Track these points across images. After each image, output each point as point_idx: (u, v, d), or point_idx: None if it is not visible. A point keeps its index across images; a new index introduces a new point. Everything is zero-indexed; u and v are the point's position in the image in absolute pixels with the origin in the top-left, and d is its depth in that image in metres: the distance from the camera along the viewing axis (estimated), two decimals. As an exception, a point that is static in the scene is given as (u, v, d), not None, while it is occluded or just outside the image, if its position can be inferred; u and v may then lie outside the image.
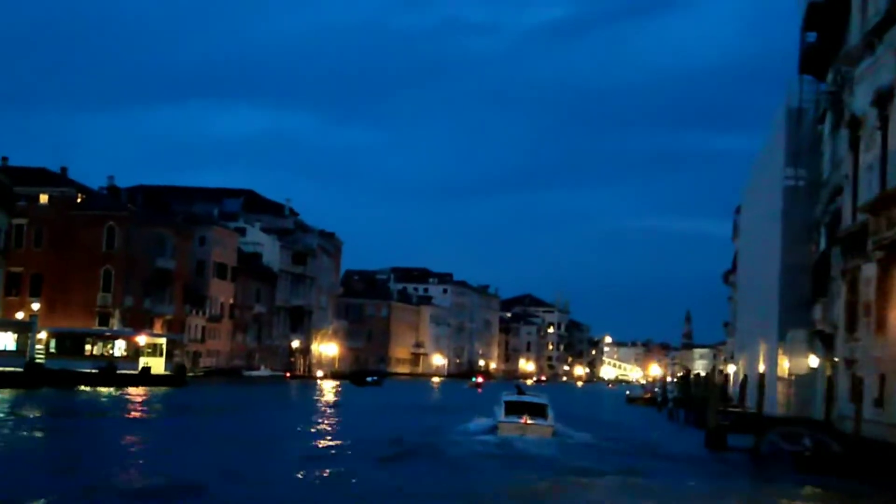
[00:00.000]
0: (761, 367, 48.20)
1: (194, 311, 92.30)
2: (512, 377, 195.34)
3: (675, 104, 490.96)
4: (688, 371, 53.43)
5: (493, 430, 37.02)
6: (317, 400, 63.16)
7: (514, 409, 37.37)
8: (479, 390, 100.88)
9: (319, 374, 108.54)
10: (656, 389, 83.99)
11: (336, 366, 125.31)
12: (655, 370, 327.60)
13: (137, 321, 79.53)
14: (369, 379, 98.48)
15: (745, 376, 50.75)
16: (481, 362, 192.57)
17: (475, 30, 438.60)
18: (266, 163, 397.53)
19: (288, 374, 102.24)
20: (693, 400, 52.32)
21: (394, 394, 78.26)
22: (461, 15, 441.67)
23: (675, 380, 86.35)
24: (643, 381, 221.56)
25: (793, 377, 41.82)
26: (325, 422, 43.11)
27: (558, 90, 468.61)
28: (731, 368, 76.97)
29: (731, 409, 47.99)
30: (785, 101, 43.48)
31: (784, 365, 39.59)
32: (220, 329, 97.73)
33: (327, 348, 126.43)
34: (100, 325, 77.73)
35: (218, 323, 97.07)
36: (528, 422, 36.08)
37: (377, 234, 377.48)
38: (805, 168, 42.88)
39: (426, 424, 42.13)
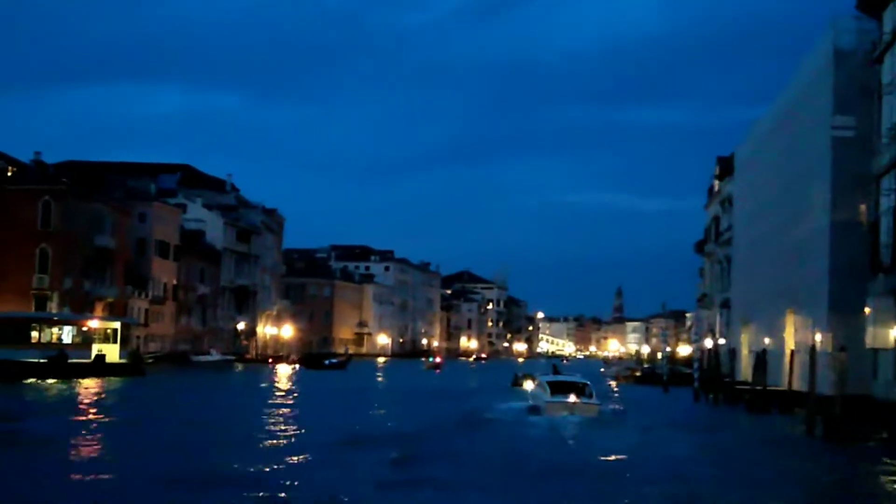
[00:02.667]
0: (791, 342, 44.23)
1: (136, 293, 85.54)
2: (455, 355, 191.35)
3: (608, 78, 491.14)
4: (715, 347, 48.56)
5: (536, 410, 36.98)
6: (293, 388, 57.44)
7: (560, 388, 37.03)
8: (438, 371, 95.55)
9: (293, 358, 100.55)
10: (646, 366, 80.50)
11: (290, 348, 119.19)
12: (635, 345, 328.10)
13: (77, 305, 72.75)
14: (327, 362, 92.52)
15: (764, 351, 46.77)
16: (424, 341, 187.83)
17: (403, 5, 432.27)
18: (194, 142, 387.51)
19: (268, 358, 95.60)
20: (719, 379, 47.78)
21: (362, 378, 72.91)
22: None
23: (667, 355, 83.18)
24: (609, 356, 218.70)
25: (842, 352, 37.65)
26: (345, 414, 37.50)
27: (491, 64, 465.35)
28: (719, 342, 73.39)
29: (755, 388, 43.86)
30: (832, 41, 39.18)
31: (869, 336, 35.11)
32: (164, 312, 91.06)
33: (272, 330, 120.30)
34: (36, 309, 70.74)
35: (161, 305, 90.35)
36: (576, 401, 35.64)
37: (313, 212, 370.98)
38: (855, 115, 38.70)
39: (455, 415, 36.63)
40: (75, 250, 74.84)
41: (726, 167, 73.14)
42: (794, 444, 29.26)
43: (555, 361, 70.98)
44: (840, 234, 38.16)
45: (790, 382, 39.32)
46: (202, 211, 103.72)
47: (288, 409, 37.59)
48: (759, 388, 42.24)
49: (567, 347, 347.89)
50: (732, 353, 66.37)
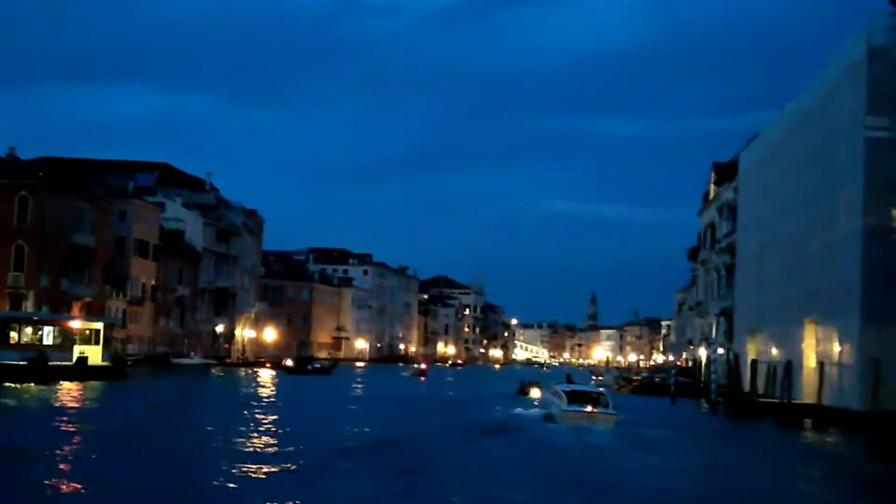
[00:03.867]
0: (811, 354, 42.48)
1: (115, 293, 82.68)
2: (432, 361, 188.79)
3: (576, 88, 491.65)
4: (736, 357, 46.16)
5: (551, 419, 37.37)
6: (281, 394, 54.93)
7: (576, 398, 36.67)
8: (423, 378, 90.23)
9: (288, 361, 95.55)
10: (644, 374, 78.51)
11: (270, 352, 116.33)
12: (609, 352, 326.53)
13: (54, 304, 69.89)
14: (310, 367, 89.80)
15: (790, 363, 44.89)
16: (402, 346, 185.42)
17: (374, 12, 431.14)
18: (169, 144, 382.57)
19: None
20: (739, 392, 45.49)
21: (349, 384, 70.55)
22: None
23: (680, 365, 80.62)
24: (593, 364, 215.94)
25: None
26: (355, 422, 35.30)
27: (463, 71, 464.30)
28: (717, 351, 71.66)
29: (783, 403, 41.71)
30: (865, 40, 37.42)
31: None
32: (142, 313, 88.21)
33: (250, 333, 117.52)
34: (11, 309, 67.86)
35: (140, 306, 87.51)
36: (593, 410, 35.46)
37: (289, 214, 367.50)
38: (888, 117, 36.99)
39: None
40: (52, 248, 72.03)
41: (725, 173, 71.57)
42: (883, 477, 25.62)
43: (568, 371, 68.77)
44: (872, 240, 36.40)
45: (820, 396, 37.46)
46: (182, 210, 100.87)
47: (291, 420, 35.16)
48: (787, 402, 40.14)
49: (541, 354, 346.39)
50: (735, 362, 64.74)
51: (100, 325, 56.60)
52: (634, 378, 75.33)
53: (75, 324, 55.25)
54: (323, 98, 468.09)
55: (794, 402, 41.37)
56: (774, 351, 50.22)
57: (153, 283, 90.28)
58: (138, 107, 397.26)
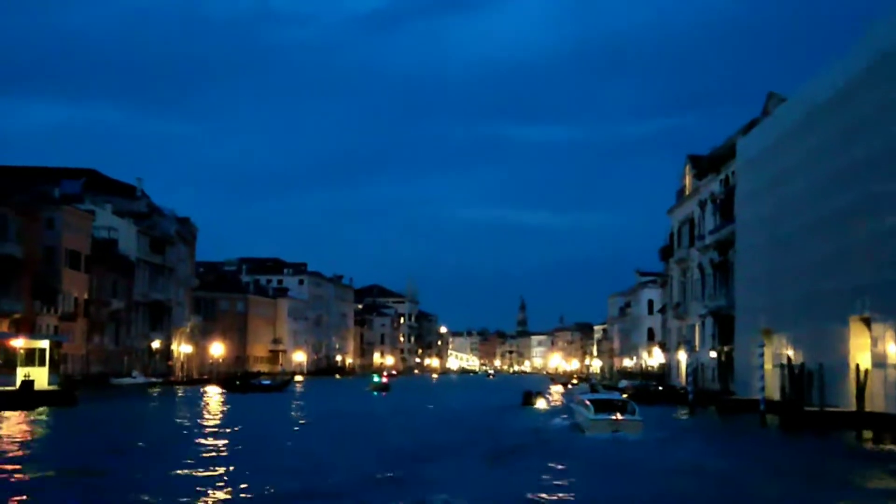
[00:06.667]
0: (859, 356, 38.36)
1: (45, 308, 75.52)
2: (369, 371, 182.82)
3: (498, 94, 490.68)
4: (802, 368, 40.67)
5: (577, 428, 37.88)
6: (261, 416, 49.05)
7: (603, 406, 36.83)
8: (385, 394, 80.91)
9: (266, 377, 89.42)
10: (638, 382, 73.86)
11: (217, 369, 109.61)
12: (540, 359, 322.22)
13: (-20, 322, 62.90)
14: (257, 383, 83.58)
15: (821, 365, 40.61)
16: (339, 357, 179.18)
17: (289, 20, 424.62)
18: (88, 156, 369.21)
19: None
20: (801, 402, 40.32)
21: (312, 402, 64.89)
22: (274, 5, 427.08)
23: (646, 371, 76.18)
24: (548, 373, 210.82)
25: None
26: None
27: (384, 79, 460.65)
28: (707, 355, 67.65)
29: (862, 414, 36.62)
30: None
31: None
32: (75, 329, 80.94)
33: (186, 348, 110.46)
34: (-68, 328, 60.69)
35: (72, 322, 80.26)
36: (621, 418, 35.47)
37: (217, 225, 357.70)
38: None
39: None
40: (-24, 259, 64.87)
41: (710, 165, 67.73)
42: None
43: (592, 381, 64.34)
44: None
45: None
46: (113, 218, 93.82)
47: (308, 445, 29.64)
48: (859, 411, 35.46)
49: (472, 362, 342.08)
50: (727, 366, 60.70)
51: (45, 344, 49.59)
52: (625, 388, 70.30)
53: (18, 342, 48.14)
54: (243, 106, 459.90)
55: (835, 409, 37.11)
56: (791, 353, 46.15)
57: (86, 296, 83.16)
58: (51, 117, 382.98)
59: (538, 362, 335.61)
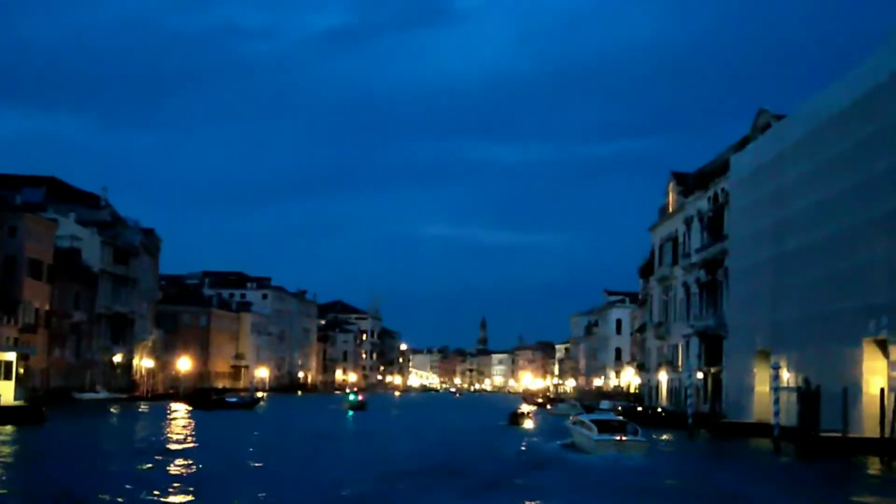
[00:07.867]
0: (874, 379, 36.98)
1: (5, 319, 72.37)
2: (331, 389, 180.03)
3: (460, 112, 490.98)
4: (807, 385, 38.69)
5: (573, 448, 37.81)
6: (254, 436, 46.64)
7: (606, 427, 36.41)
8: (362, 412, 76.61)
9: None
10: (625, 403, 71.93)
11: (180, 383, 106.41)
12: (501, 377, 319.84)
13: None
14: (228, 399, 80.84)
15: (819, 386, 39.18)
16: (301, 374, 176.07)
17: (251, 35, 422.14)
18: (49, 166, 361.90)
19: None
20: (815, 427, 38.27)
21: (292, 421, 62.39)
22: (237, 19, 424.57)
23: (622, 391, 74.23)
24: (524, 391, 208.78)
25: None
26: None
27: (346, 95, 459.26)
28: (694, 376, 66.16)
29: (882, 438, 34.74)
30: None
31: None
32: (36, 342, 77.58)
33: (148, 362, 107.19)
34: None
35: (33, 334, 77.00)
36: (625, 438, 35.20)
37: (179, 238, 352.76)
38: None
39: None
40: (-65, 267, 61.81)
41: (696, 182, 66.50)
42: None
43: (585, 402, 62.66)
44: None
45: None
46: (77, 227, 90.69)
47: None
48: (886, 437, 33.51)
49: (432, 379, 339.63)
50: (715, 388, 59.15)
51: (12, 357, 46.84)
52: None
53: (-19, 355, 45.41)
54: (207, 120, 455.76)
55: (857, 435, 35.60)
56: (786, 375, 44.77)
57: (47, 307, 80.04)
58: (12, 126, 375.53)
59: (498, 381, 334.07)
